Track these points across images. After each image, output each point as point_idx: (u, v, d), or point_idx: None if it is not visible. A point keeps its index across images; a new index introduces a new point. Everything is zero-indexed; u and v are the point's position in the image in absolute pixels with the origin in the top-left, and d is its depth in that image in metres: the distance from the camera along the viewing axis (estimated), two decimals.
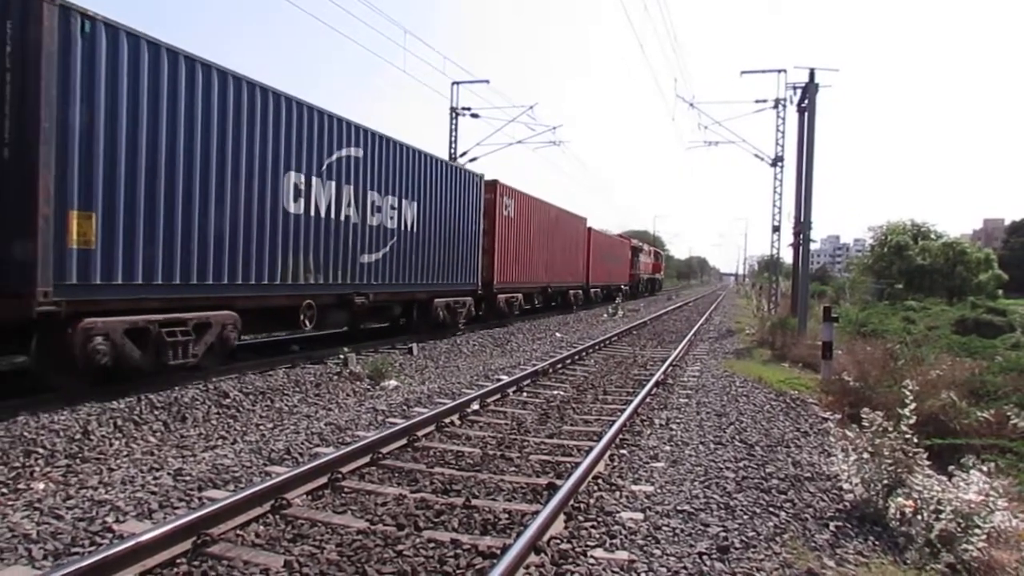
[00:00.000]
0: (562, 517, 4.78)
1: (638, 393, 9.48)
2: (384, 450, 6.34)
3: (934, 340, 13.33)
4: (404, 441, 6.72)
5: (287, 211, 10.52)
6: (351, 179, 12.18)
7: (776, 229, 24.86)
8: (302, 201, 10.85)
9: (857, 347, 12.52)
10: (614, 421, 7.61)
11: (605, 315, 27.81)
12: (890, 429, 5.25)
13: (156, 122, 8.15)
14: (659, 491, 5.50)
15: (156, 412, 7.47)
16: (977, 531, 4.41)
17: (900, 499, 4.97)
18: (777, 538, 4.62)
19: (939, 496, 4.76)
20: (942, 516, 4.62)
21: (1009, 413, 6.63)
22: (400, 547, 4.25)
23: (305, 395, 9.20)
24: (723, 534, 4.62)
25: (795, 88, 21.21)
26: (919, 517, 4.76)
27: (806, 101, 19.45)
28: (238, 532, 4.42)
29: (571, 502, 5.08)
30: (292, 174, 10.56)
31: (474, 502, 5.12)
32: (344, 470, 5.64)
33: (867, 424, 5.40)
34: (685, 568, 4.09)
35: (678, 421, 8.21)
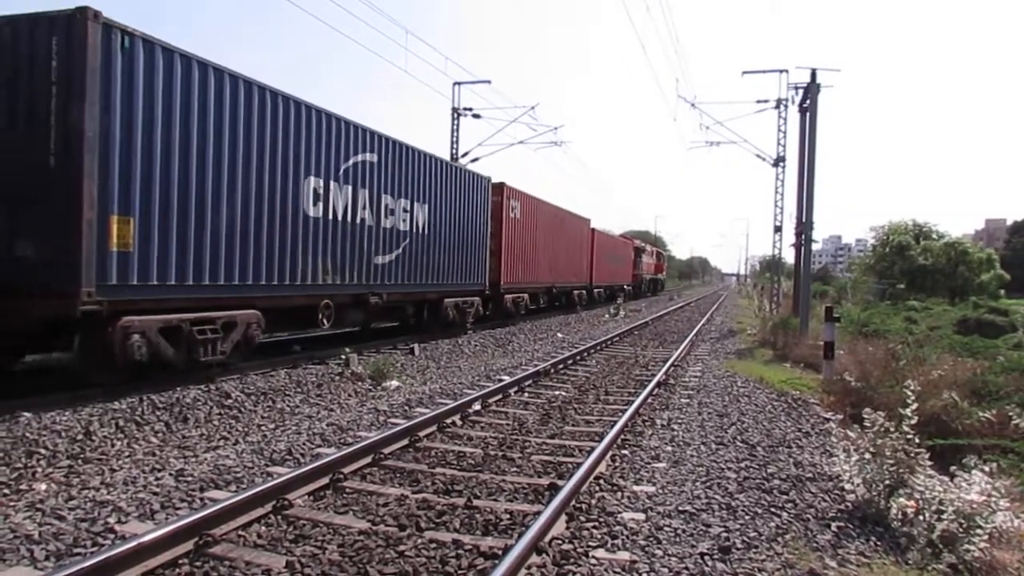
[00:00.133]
0: (564, 517, 4.78)
1: (640, 393, 9.48)
2: (386, 450, 6.35)
3: (936, 340, 13.32)
4: (406, 441, 6.73)
5: (307, 214, 10.91)
6: (366, 183, 12.59)
7: (778, 229, 24.85)
8: (321, 205, 11.25)
9: (859, 347, 12.52)
10: (616, 421, 7.61)
11: (607, 315, 27.81)
12: (892, 429, 5.25)
13: (187, 131, 8.57)
14: (661, 491, 5.50)
15: (158, 413, 7.48)
16: (979, 531, 4.41)
17: (902, 499, 4.97)
18: (779, 538, 4.62)
19: (941, 496, 4.76)
20: (944, 516, 4.62)
21: (1011, 413, 6.62)
22: (402, 547, 4.25)
23: (307, 396, 9.21)
24: (725, 534, 4.62)
25: (797, 88, 21.21)
26: (921, 517, 4.76)
27: (808, 101, 19.44)
28: (240, 533, 4.42)
29: (573, 502, 5.08)
30: (311, 179, 10.97)
31: (476, 502, 5.12)
32: (346, 470, 5.65)
33: (869, 424, 5.39)
34: (687, 568, 4.09)
35: (680, 421, 8.21)
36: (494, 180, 19.35)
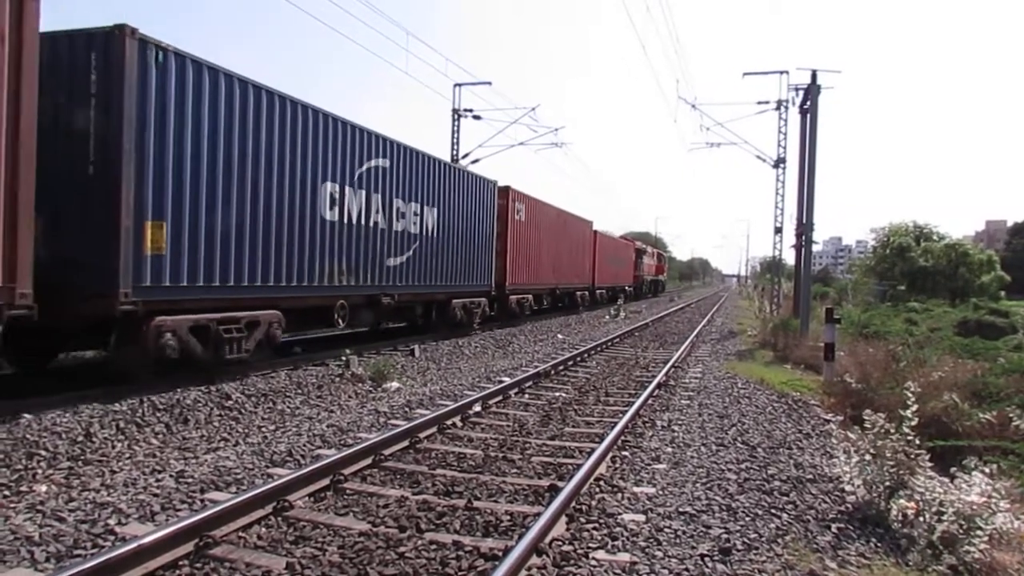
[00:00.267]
0: (564, 519, 4.78)
1: (640, 395, 9.48)
2: (386, 452, 6.35)
3: (936, 342, 13.30)
4: (406, 443, 6.73)
5: (324, 218, 11.35)
6: (379, 188, 13.04)
7: (778, 231, 24.87)
8: (337, 209, 11.70)
9: (859, 349, 12.50)
10: (616, 423, 7.61)
11: (607, 316, 27.81)
12: (892, 431, 5.25)
13: (215, 140, 8.99)
14: (661, 493, 5.50)
15: (158, 414, 7.48)
16: (979, 533, 4.41)
17: (902, 501, 4.96)
18: (779, 540, 4.62)
19: (941, 498, 4.76)
20: (944, 518, 4.62)
21: (1011, 415, 6.63)
22: (402, 549, 4.25)
23: (307, 397, 9.21)
24: (725, 536, 4.62)
25: (797, 90, 21.20)
26: (921, 519, 4.76)
27: (808, 103, 19.44)
28: (240, 534, 4.42)
29: (573, 504, 5.08)
30: (328, 184, 11.41)
31: (476, 504, 5.12)
32: (346, 472, 5.65)
33: (869, 426, 5.40)
34: (687, 570, 4.09)
35: (680, 423, 8.21)
36: (503, 184, 19.73)
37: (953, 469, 5.21)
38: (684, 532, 4.67)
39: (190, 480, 5.42)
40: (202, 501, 4.96)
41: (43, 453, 6.02)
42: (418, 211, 14.68)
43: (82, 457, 6.14)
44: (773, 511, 5.17)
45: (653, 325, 24.94)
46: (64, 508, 4.74)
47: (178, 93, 8.38)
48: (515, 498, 5.35)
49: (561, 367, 12.50)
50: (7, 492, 5.18)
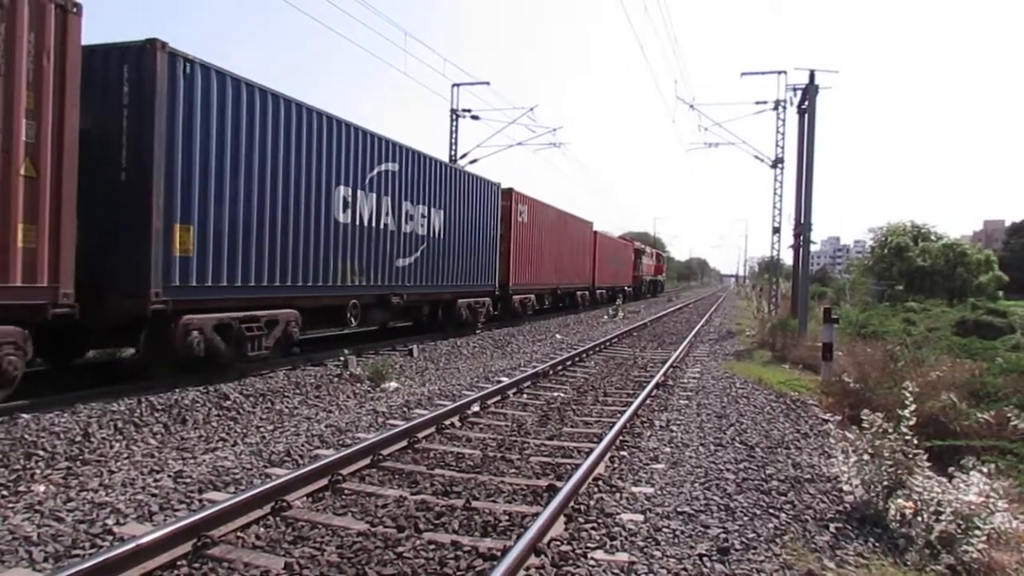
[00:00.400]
0: (562, 519, 4.78)
1: (638, 395, 9.48)
2: (384, 452, 6.35)
3: (934, 341, 13.30)
4: (404, 443, 6.73)
5: (337, 221, 11.79)
6: (389, 191, 13.48)
7: (776, 231, 24.88)
8: (349, 212, 12.14)
9: (857, 348, 12.51)
10: (614, 423, 7.61)
11: (605, 316, 27.83)
12: (890, 430, 5.26)
13: (237, 146, 9.37)
14: (659, 493, 5.51)
15: (156, 414, 7.47)
16: (977, 532, 4.42)
17: (900, 500, 4.97)
18: (777, 539, 4.62)
19: (939, 497, 4.77)
20: (942, 517, 4.62)
21: (1009, 414, 6.65)
22: (400, 549, 4.25)
23: (305, 397, 9.21)
24: (723, 535, 4.62)
25: (795, 90, 21.22)
26: (919, 518, 4.76)
27: (806, 103, 19.46)
28: (239, 534, 4.42)
29: (571, 504, 5.08)
30: (341, 188, 11.85)
31: (474, 504, 5.12)
32: (344, 472, 5.65)
33: (867, 425, 5.40)
34: (685, 570, 4.09)
35: (678, 423, 8.21)
36: (507, 187, 20.02)
37: (951, 469, 5.22)
38: (682, 532, 4.67)
39: (188, 480, 5.41)
40: (200, 501, 4.95)
41: (41, 453, 6.02)
42: (425, 213, 15.06)
43: (80, 457, 6.13)
44: (771, 511, 5.18)
45: (651, 325, 24.95)
46: (62, 508, 4.73)
47: (204, 103, 8.78)
48: (513, 498, 5.35)
49: (559, 367, 12.50)
50: (5, 492, 5.18)
